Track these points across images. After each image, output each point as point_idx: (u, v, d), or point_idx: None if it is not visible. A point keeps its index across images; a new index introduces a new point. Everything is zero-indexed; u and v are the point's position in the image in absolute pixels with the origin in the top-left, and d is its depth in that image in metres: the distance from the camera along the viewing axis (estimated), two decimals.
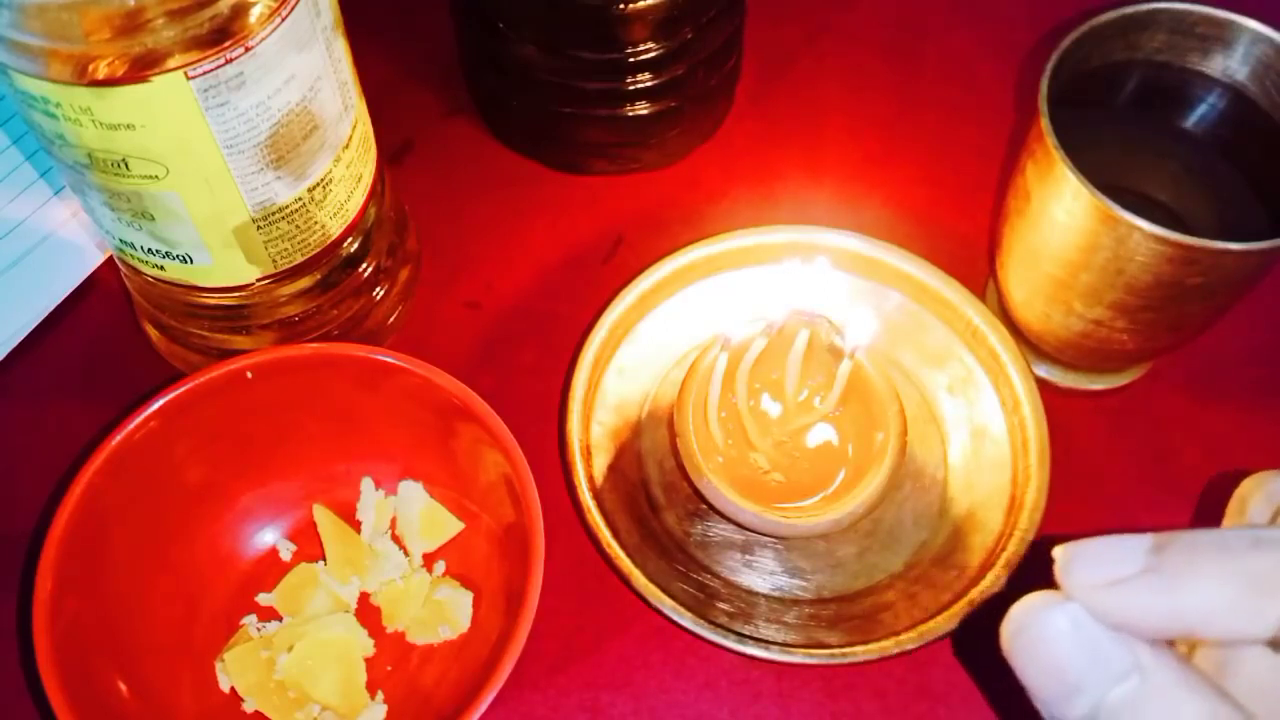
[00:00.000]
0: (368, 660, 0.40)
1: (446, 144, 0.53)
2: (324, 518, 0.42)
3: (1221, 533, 0.23)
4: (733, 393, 0.42)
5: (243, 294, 0.41)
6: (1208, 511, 0.43)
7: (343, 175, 0.40)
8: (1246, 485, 0.29)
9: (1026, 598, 0.24)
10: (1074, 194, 0.37)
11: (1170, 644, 0.24)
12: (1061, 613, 0.23)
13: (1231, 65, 0.40)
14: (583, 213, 0.51)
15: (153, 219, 0.37)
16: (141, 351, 0.47)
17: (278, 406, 0.40)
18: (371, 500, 0.42)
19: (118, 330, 0.48)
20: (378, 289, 0.46)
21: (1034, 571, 0.39)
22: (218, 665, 0.39)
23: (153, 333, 0.46)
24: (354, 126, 0.40)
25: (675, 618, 0.38)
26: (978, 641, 0.39)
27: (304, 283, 0.42)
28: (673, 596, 0.38)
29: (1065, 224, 0.38)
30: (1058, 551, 0.24)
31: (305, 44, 0.35)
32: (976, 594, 0.38)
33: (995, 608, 0.38)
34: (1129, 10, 0.40)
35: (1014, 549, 0.39)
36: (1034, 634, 0.23)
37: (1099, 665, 0.22)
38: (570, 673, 0.40)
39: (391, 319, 0.47)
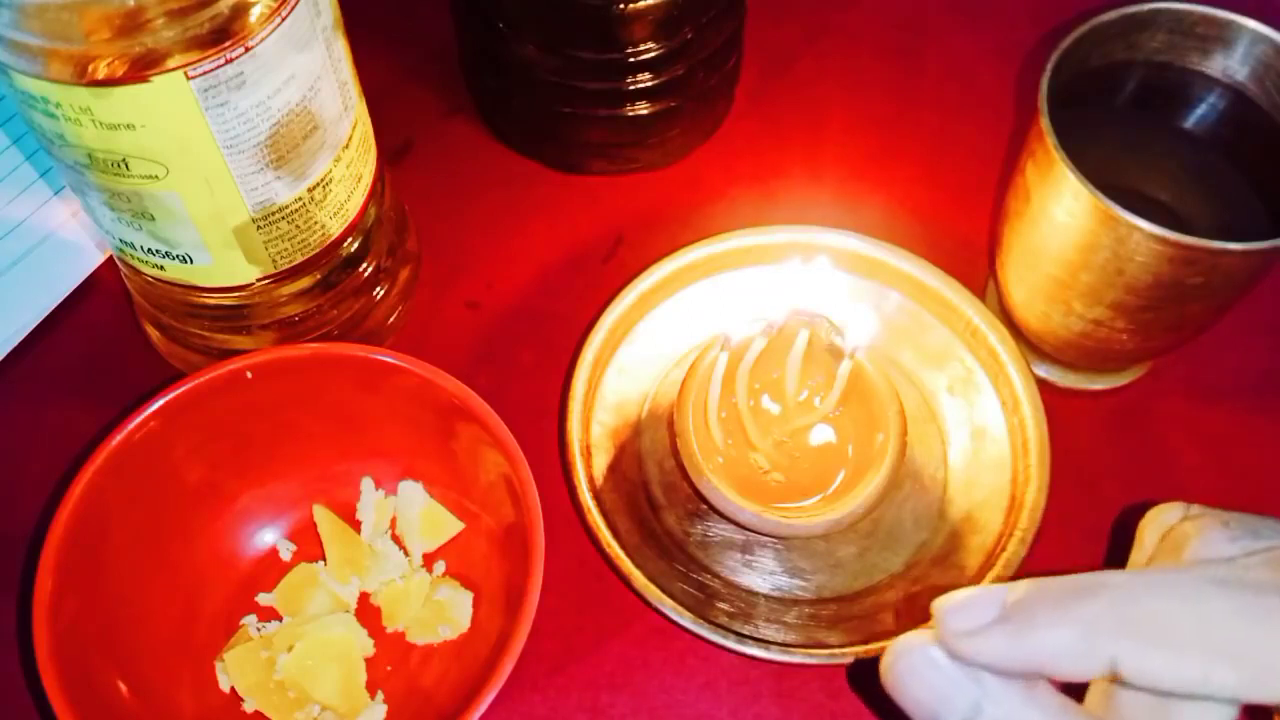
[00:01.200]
0: (368, 660, 0.40)
1: (446, 144, 0.53)
2: (324, 518, 0.42)
3: (1077, 578, 0.26)
4: (733, 393, 0.42)
5: (243, 294, 0.41)
6: None
7: (343, 175, 0.40)
8: (1146, 518, 0.31)
9: (903, 635, 0.27)
10: (1074, 194, 0.37)
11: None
12: (920, 653, 0.26)
13: (1231, 65, 0.40)
14: (582, 212, 0.51)
15: (153, 219, 0.37)
16: (141, 351, 0.47)
17: (278, 406, 0.41)
18: (371, 500, 0.42)
19: (118, 330, 0.47)
20: (378, 289, 0.46)
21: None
22: (218, 665, 0.39)
23: (153, 333, 0.46)
24: (354, 126, 0.40)
25: (675, 618, 0.38)
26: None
27: (304, 283, 0.42)
28: (673, 596, 0.38)
29: (1065, 224, 0.38)
30: (934, 604, 0.27)
31: (305, 44, 0.35)
32: None
33: None
34: (1129, 10, 0.40)
35: (1014, 549, 0.39)
36: (900, 669, 0.27)
37: (945, 702, 0.26)
38: (570, 673, 0.40)
39: (391, 319, 0.47)
